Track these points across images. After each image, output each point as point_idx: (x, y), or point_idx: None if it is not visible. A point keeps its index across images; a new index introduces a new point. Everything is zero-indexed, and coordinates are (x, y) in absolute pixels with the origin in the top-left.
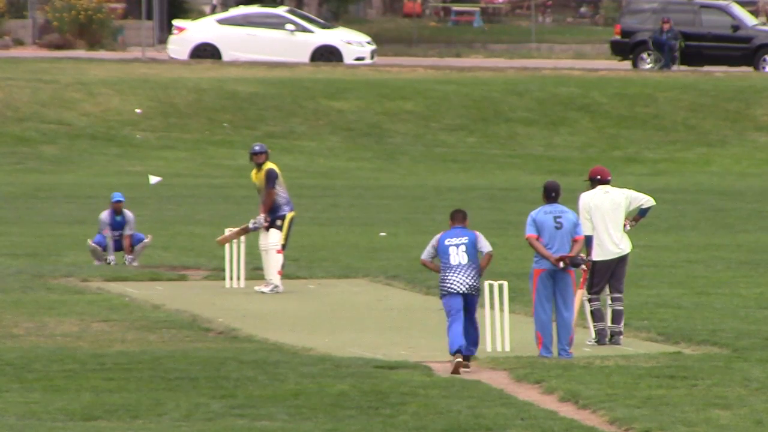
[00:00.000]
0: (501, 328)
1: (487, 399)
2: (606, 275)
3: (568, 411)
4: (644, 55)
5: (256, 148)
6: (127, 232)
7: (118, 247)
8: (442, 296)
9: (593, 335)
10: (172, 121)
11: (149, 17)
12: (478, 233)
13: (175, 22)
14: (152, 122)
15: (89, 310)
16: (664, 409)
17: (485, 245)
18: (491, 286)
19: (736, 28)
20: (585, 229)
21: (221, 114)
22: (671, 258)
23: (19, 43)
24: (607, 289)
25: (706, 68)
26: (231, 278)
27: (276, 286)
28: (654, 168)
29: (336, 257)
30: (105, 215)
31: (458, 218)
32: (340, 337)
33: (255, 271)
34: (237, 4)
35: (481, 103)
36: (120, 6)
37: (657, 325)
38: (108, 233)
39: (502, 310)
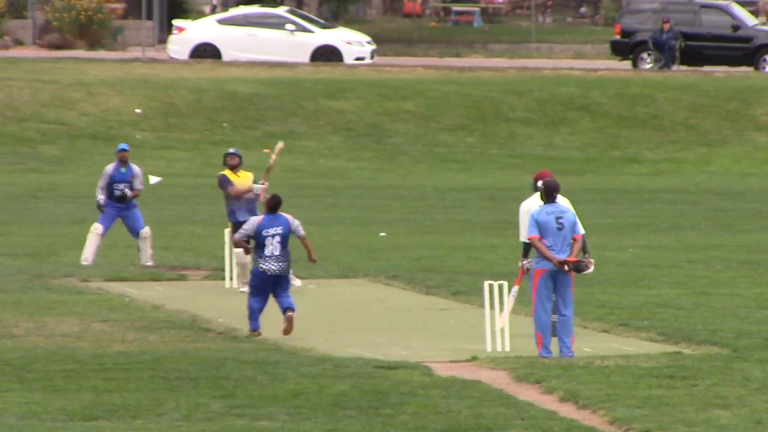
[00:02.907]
0: (501, 328)
1: (487, 399)
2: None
3: (568, 411)
4: (644, 55)
5: (231, 150)
6: (137, 186)
7: (120, 202)
8: (257, 271)
9: None
10: (172, 121)
11: (149, 17)
12: (290, 218)
13: (175, 22)
14: (152, 122)
15: (89, 310)
16: (664, 409)
17: (299, 228)
18: (491, 286)
19: (736, 28)
20: (521, 235)
21: (221, 114)
22: (671, 258)
23: (19, 43)
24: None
25: (706, 68)
26: (231, 278)
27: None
28: (654, 168)
29: (336, 257)
30: (110, 167)
31: (273, 206)
32: (340, 337)
33: None
34: (237, 4)
35: (481, 103)
36: (120, 6)
37: (657, 325)
38: (103, 186)
39: (502, 310)
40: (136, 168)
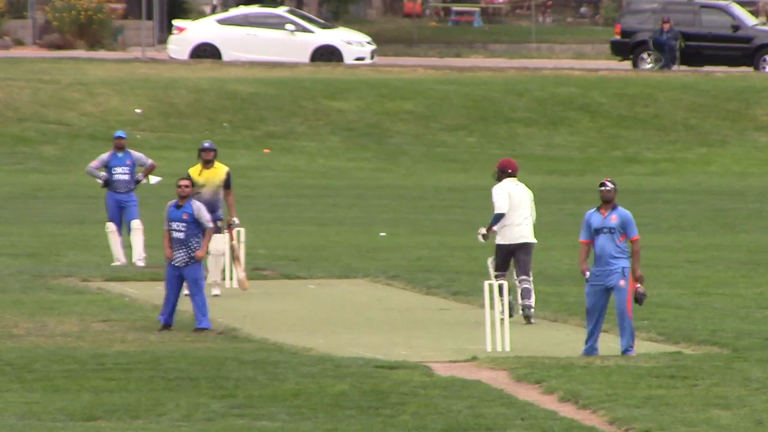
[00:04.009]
0: (501, 328)
1: (487, 399)
2: (507, 257)
3: (568, 411)
4: (644, 55)
5: (206, 144)
6: (148, 162)
7: (120, 187)
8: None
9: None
10: (172, 121)
11: (149, 17)
12: (196, 206)
13: (175, 22)
14: (152, 122)
15: (89, 310)
16: (664, 409)
17: (205, 218)
18: (491, 286)
19: (736, 28)
20: (502, 207)
21: (221, 114)
22: (671, 258)
23: (19, 43)
24: (514, 274)
25: (706, 68)
26: (231, 278)
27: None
28: (654, 168)
29: (336, 257)
30: (106, 154)
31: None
32: (340, 337)
33: (254, 271)
34: (237, 4)
35: (481, 103)
36: (120, 6)
37: (657, 325)
38: (97, 166)
39: (502, 310)
40: (134, 152)
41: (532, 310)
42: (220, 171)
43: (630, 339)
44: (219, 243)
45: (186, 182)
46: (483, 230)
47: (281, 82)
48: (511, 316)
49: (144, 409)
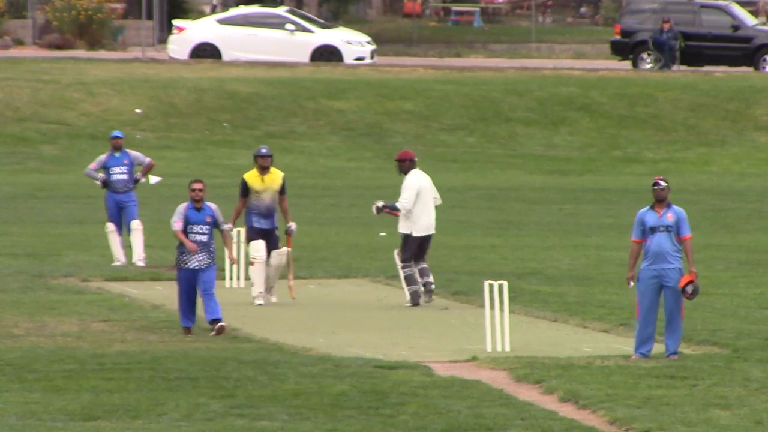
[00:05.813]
0: (501, 328)
1: (487, 399)
2: (418, 248)
3: (568, 411)
4: (644, 55)
5: (263, 151)
6: (146, 161)
7: (119, 186)
8: (178, 269)
9: (408, 297)
10: (172, 121)
11: (149, 17)
12: (215, 207)
13: (175, 22)
14: (152, 122)
15: (89, 310)
16: (664, 409)
17: (222, 219)
18: (491, 286)
19: (736, 28)
20: (407, 204)
21: (221, 114)
22: None
23: (19, 43)
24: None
25: (706, 68)
26: (231, 278)
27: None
28: (654, 168)
29: (336, 257)
30: (104, 155)
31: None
32: (340, 337)
33: None
34: (237, 4)
35: (481, 103)
36: (120, 6)
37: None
38: (95, 168)
39: (502, 310)
40: (132, 152)
41: (433, 285)
42: (277, 176)
43: (678, 342)
44: (280, 252)
45: (200, 185)
46: (380, 203)
47: (281, 82)
48: (416, 303)
49: (144, 409)
